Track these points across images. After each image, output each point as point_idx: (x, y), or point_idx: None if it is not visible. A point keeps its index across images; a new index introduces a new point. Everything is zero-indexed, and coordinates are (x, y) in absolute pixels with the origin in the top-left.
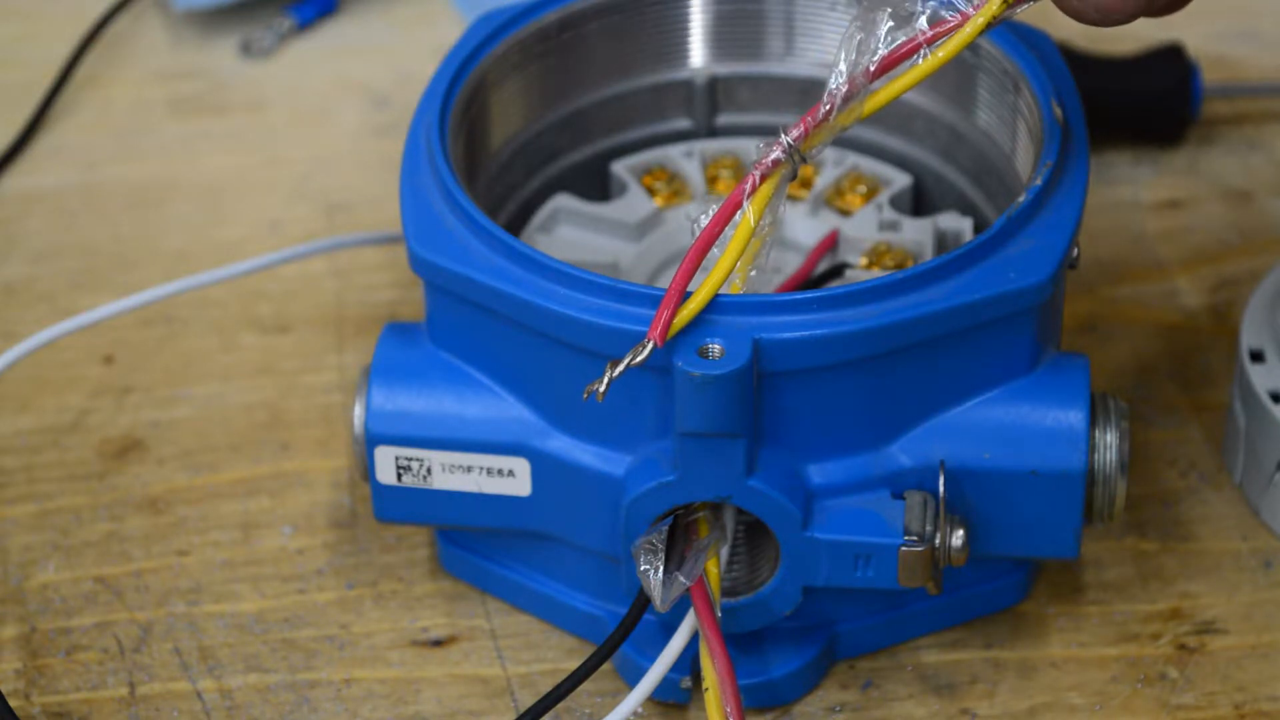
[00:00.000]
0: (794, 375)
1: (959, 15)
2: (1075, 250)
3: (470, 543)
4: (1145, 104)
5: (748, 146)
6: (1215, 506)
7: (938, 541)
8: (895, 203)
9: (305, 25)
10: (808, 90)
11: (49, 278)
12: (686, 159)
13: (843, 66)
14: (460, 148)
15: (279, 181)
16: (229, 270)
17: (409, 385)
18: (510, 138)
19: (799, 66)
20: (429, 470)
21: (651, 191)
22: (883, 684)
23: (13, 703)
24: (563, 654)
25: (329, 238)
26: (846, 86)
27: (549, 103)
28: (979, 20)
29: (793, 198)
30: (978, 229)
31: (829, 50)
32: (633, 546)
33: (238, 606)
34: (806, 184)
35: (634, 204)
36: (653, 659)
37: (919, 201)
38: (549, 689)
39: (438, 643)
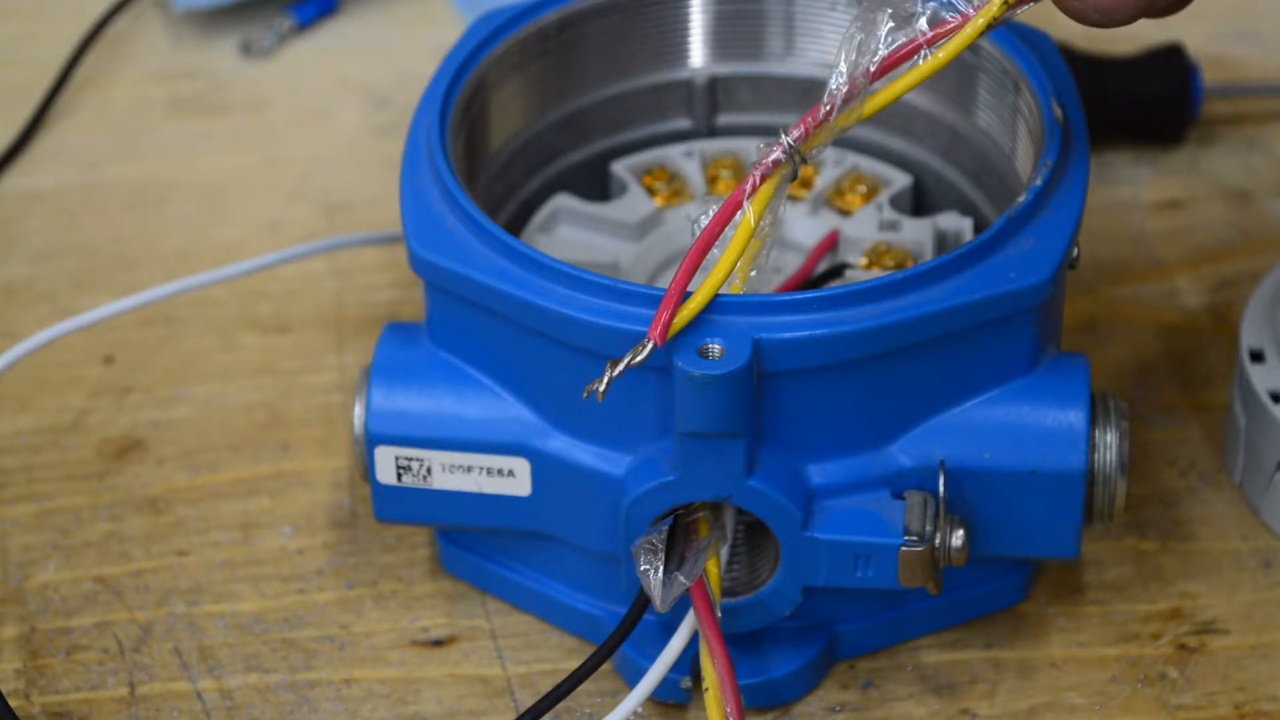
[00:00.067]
0: (794, 375)
1: (959, 16)
2: (1075, 250)
3: (470, 543)
4: (1145, 104)
5: (748, 146)
6: (1215, 506)
7: (938, 541)
8: (895, 203)
9: (305, 25)
10: (808, 90)
11: (49, 278)
12: (686, 159)
13: (843, 67)
14: (460, 148)
15: (279, 181)
16: (229, 270)
17: (409, 385)
18: (510, 138)
19: (799, 66)
20: (429, 470)
21: (651, 191)
22: (883, 684)
23: (13, 703)
24: (563, 654)
25: (329, 238)
26: (847, 87)
27: (549, 103)
28: (979, 21)
29: (793, 198)
30: (978, 229)
31: (829, 50)
32: (633, 546)
33: (238, 606)
34: (806, 184)
35: (634, 204)
36: (653, 659)
37: (919, 201)
38: (549, 689)
39: (438, 643)
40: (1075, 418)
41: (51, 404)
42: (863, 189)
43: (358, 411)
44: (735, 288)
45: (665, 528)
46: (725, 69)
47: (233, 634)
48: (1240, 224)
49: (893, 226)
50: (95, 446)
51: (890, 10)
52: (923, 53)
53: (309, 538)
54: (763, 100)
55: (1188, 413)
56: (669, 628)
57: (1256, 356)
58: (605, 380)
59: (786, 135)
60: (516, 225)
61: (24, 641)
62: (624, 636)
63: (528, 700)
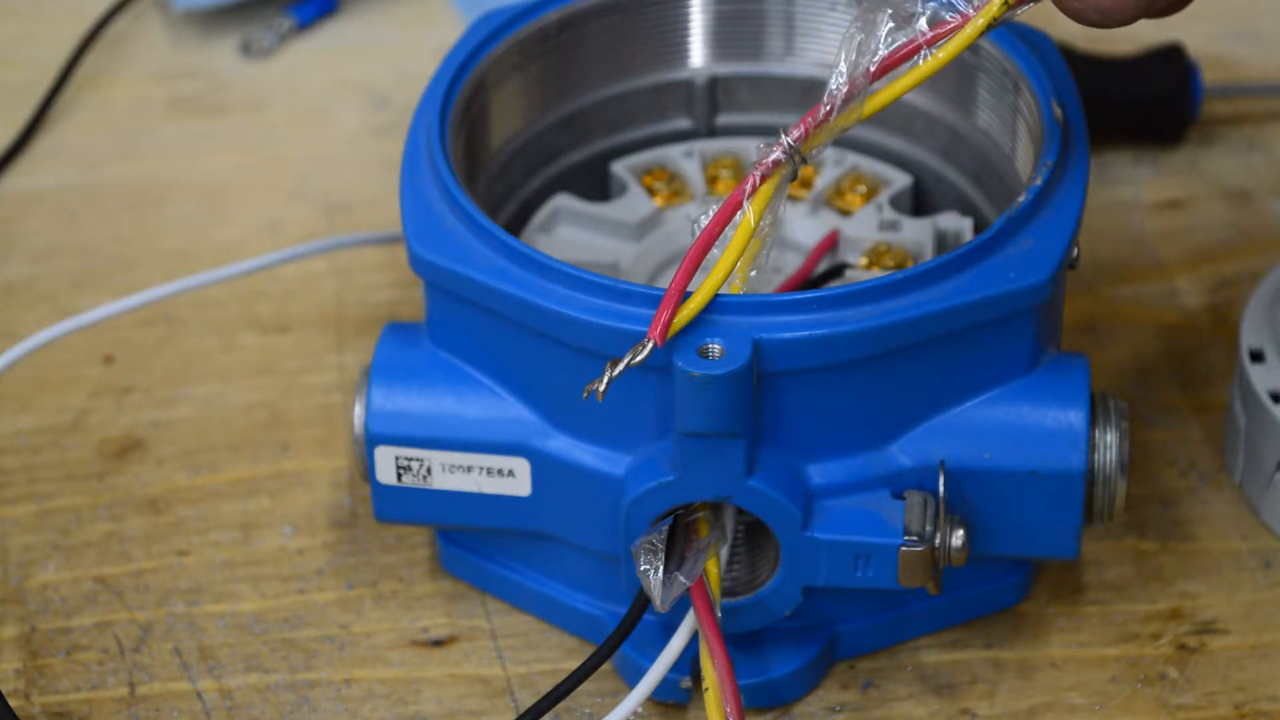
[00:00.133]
0: (794, 375)
1: (959, 16)
2: (1075, 250)
3: (470, 543)
4: (1145, 104)
5: (748, 146)
6: (1215, 506)
7: (938, 541)
8: (895, 203)
9: (305, 25)
10: (808, 90)
11: (49, 278)
12: (686, 159)
13: (843, 67)
14: (460, 148)
15: (279, 181)
16: (229, 270)
17: (409, 385)
18: (510, 138)
19: (799, 66)
20: (429, 470)
21: (651, 191)
22: (883, 684)
23: (13, 703)
24: (563, 654)
25: (329, 238)
26: (847, 87)
27: (549, 103)
28: (979, 21)
29: (793, 198)
30: (978, 229)
31: (829, 50)
32: (633, 546)
33: (238, 606)
34: (806, 184)
35: (634, 204)
36: (653, 659)
37: (919, 201)
38: (549, 689)
39: (438, 643)
40: (1075, 418)
41: (51, 404)
42: (863, 189)
43: (358, 411)
44: (735, 288)
45: (665, 528)
46: (725, 69)
47: (233, 634)
48: (1240, 224)
49: (893, 226)
50: (95, 446)
51: (890, 10)
52: (923, 53)
53: (309, 538)
54: (763, 100)
55: (1188, 413)
56: (669, 628)
57: (1256, 356)
58: (605, 380)
59: (786, 135)
60: (516, 225)
61: (24, 641)
62: (624, 636)
63: (528, 700)
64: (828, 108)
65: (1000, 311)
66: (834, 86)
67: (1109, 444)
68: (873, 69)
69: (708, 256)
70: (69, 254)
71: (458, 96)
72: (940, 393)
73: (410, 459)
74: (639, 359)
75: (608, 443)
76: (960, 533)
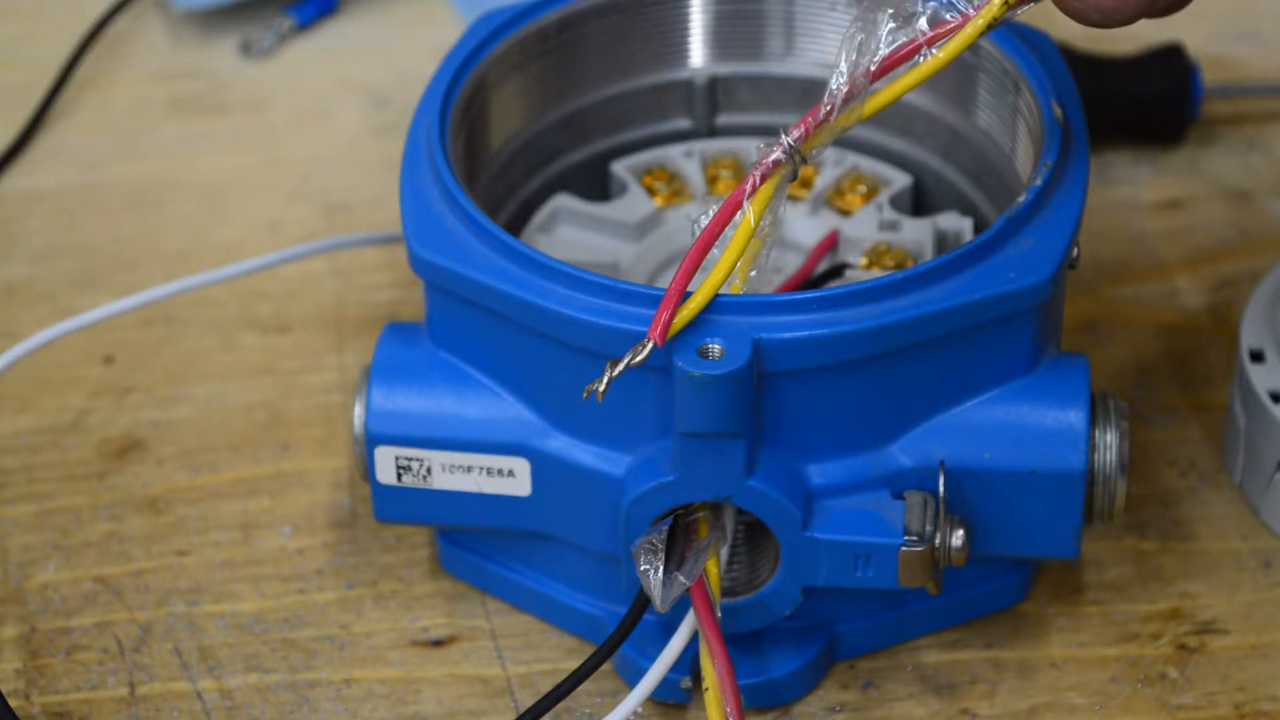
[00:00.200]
0: (794, 375)
1: (960, 16)
2: (1075, 250)
3: (470, 543)
4: (1145, 104)
5: (748, 146)
6: (1215, 506)
7: (938, 541)
8: (895, 203)
9: (305, 25)
10: (808, 90)
11: (49, 278)
12: (686, 159)
13: (843, 67)
14: (460, 148)
15: (279, 181)
16: (229, 270)
17: (409, 385)
18: (510, 138)
19: (799, 66)
20: (429, 470)
21: (651, 191)
22: (883, 684)
23: (13, 703)
24: (563, 654)
25: (329, 238)
26: (847, 87)
27: (549, 103)
28: (979, 21)
29: (793, 198)
30: (978, 229)
31: (829, 50)
32: (633, 546)
33: (238, 606)
34: (806, 184)
35: (634, 204)
36: (653, 659)
37: (919, 201)
38: (549, 689)
39: (438, 643)
40: (1075, 418)
41: (51, 404)
42: (863, 189)
43: (358, 411)
44: (735, 288)
45: (665, 528)
46: (725, 69)
47: (233, 634)
48: (1240, 224)
49: (893, 226)
50: (95, 446)
51: (891, 10)
52: (923, 53)
53: (309, 538)
54: (763, 100)
55: (1188, 413)
56: (669, 628)
57: (1256, 356)
58: (605, 380)
59: (787, 135)
60: (516, 225)
61: (24, 641)
62: (624, 636)
63: (528, 700)
64: (828, 108)
65: (1000, 311)
66: (834, 86)
67: (1109, 444)
68: (873, 69)
69: (708, 256)
70: (69, 254)
71: (458, 96)
72: (940, 393)
73: (410, 459)
74: (639, 359)
75: (608, 443)
76: (960, 533)
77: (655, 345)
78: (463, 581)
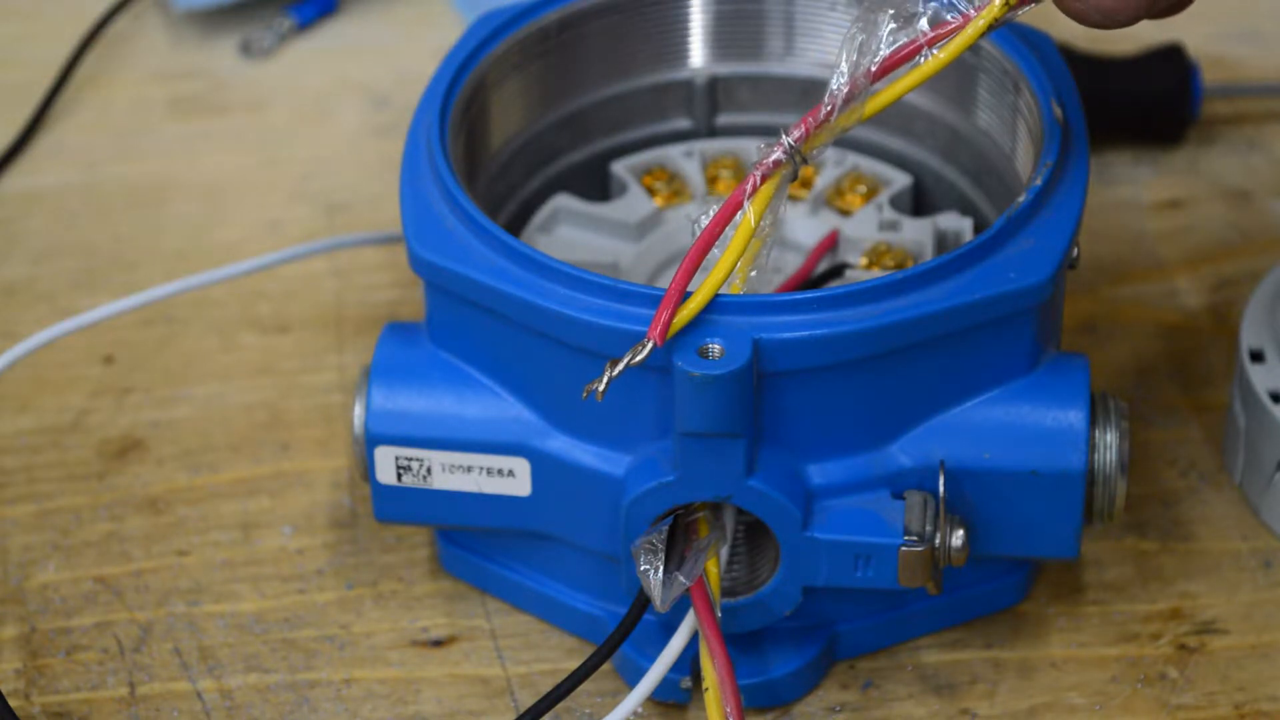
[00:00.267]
0: (794, 375)
1: (960, 17)
2: (1075, 250)
3: (470, 543)
4: (1145, 104)
5: (748, 146)
6: (1215, 506)
7: (938, 541)
8: (895, 203)
9: (305, 25)
10: (808, 90)
11: (49, 278)
12: (686, 159)
13: (844, 67)
14: (460, 148)
15: (279, 181)
16: (229, 270)
17: (409, 385)
18: (510, 138)
19: (799, 66)
20: (429, 470)
21: (651, 191)
22: (883, 684)
23: (13, 703)
24: (563, 654)
25: (329, 238)
26: (848, 87)
27: (549, 103)
28: (980, 22)
29: (793, 198)
30: (978, 229)
31: (829, 50)
32: (633, 546)
33: (238, 606)
34: (806, 184)
35: (634, 204)
36: (653, 659)
37: (919, 201)
38: (549, 689)
39: (438, 643)
40: (1075, 418)
41: (51, 404)
42: (863, 189)
43: (358, 411)
44: (735, 288)
45: (665, 528)
46: (725, 69)
47: (233, 634)
48: (1240, 224)
49: (893, 226)
50: (95, 446)
51: (892, 11)
52: (924, 53)
53: (309, 538)
54: (763, 100)
55: (1188, 413)
56: (669, 628)
57: (1256, 356)
58: (605, 380)
59: (787, 135)
60: (516, 225)
61: (24, 641)
62: (624, 636)
63: (528, 700)
64: (829, 108)
65: (1000, 311)
66: (835, 86)
67: (1109, 444)
68: (874, 69)
69: (708, 257)
70: (69, 254)
71: (458, 96)
72: (940, 393)
73: (410, 459)
74: (639, 359)
75: (608, 443)
76: (960, 533)
77: (655, 345)
78: (463, 581)
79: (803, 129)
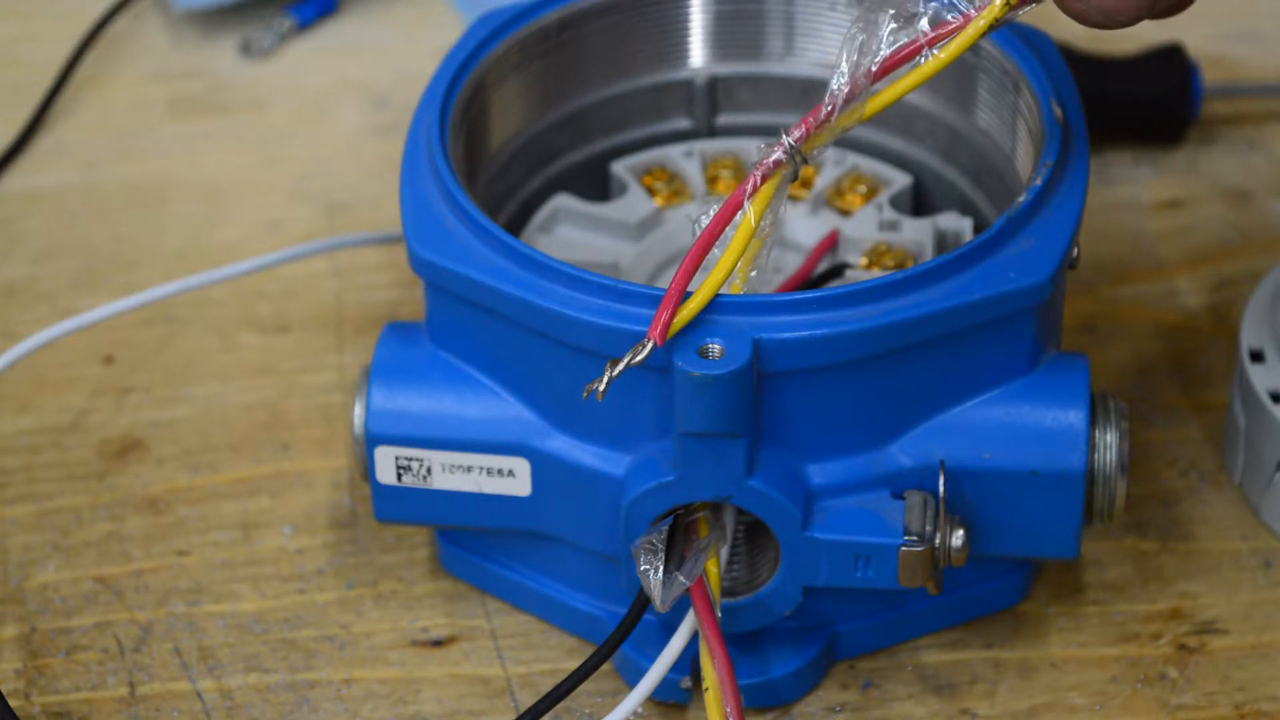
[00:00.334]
0: (794, 375)
1: (961, 17)
2: (1075, 250)
3: (470, 543)
4: (1145, 104)
5: (748, 146)
6: (1215, 506)
7: (938, 541)
8: (895, 203)
9: (305, 25)
10: (808, 90)
11: (49, 278)
12: (686, 159)
13: (845, 67)
14: (460, 148)
15: (279, 181)
16: (229, 270)
17: (409, 385)
18: (510, 138)
19: (799, 66)
20: (429, 470)
21: (651, 191)
22: (883, 684)
23: (13, 703)
24: (563, 654)
25: (329, 238)
26: (848, 87)
27: (549, 103)
28: (981, 22)
29: (793, 198)
30: (978, 229)
31: (829, 50)
32: (633, 546)
33: (238, 606)
34: (806, 184)
35: (634, 204)
36: (653, 659)
37: (919, 201)
38: (549, 689)
39: (438, 643)
40: (1075, 418)
41: (51, 404)
42: (863, 189)
43: (358, 411)
44: (736, 287)
45: (665, 528)
46: (725, 69)
47: (233, 634)
48: (1240, 224)
49: (893, 226)
50: (95, 446)
51: (892, 11)
52: (924, 53)
53: (309, 538)
54: (763, 100)
55: (1188, 413)
56: (669, 628)
57: (1256, 356)
58: (605, 380)
59: (788, 135)
60: (516, 225)
61: (24, 641)
62: (624, 636)
63: (528, 700)
64: (829, 108)
65: (1000, 311)
66: (835, 86)
67: (1109, 444)
68: (874, 69)
69: (708, 256)
70: (69, 254)
71: (458, 96)
72: (940, 393)
73: (410, 459)
74: (639, 359)
75: (608, 443)
76: (960, 533)
77: (655, 345)
78: (463, 581)
79: (803, 129)
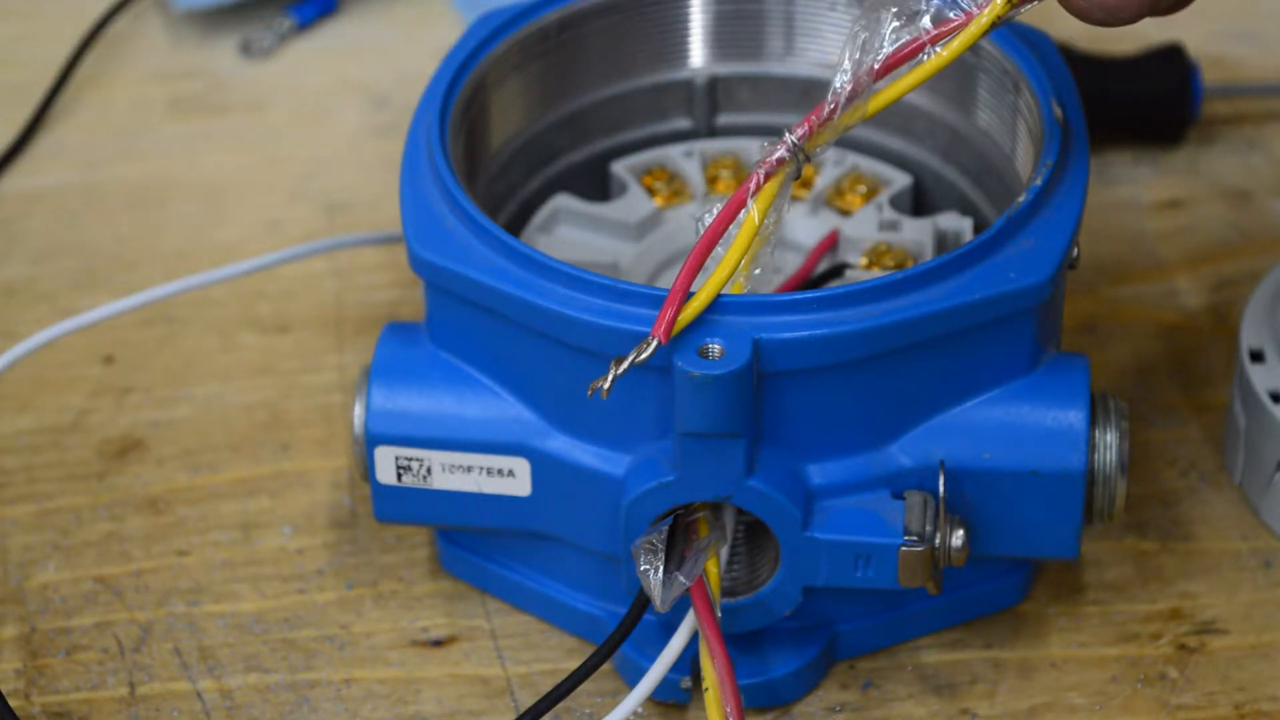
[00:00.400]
0: (794, 375)
1: (963, 14)
2: (1075, 250)
3: (470, 543)
4: (1145, 104)
5: (748, 146)
6: (1215, 506)
7: (938, 541)
8: (895, 203)
9: (305, 25)
10: (808, 90)
11: (49, 278)
12: (686, 159)
13: (847, 65)
14: (460, 148)
15: (279, 181)
16: (229, 270)
17: (409, 385)
18: (510, 138)
19: (799, 66)
20: (429, 470)
21: (651, 191)
22: (883, 684)
23: (13, 703)
24: (563, 654)
25: (329, 238)
26: (851, 85)
27: (549, 103)
28: (983, 20)
29: (793, 198)
30: (978, 229)
31: (829, 50)
32: (633, 546)
33: (238, 606)
34: (806, 184)
35: (634, 204)
36: (653, 659)
37: (919, 201)
38: (549, 689)
39: (438, 643)
40: (1075, 418)
41: (51, 404)
42: (863, 189)
43: (358, 411)
44: (739, 286)
45: (665, 528)
46: (725, 69)
47: (233, 634)
48: (1240, 224)
49: (893, 226)
50: (95, 446)
51: (894, 9)
52: (927, 51)
53: (309, 538)
54: (763, 100)
55: (1188, 413)
56: (669, 628)
57: (1256, 356)
58: (610, 378)
59: (791, 133)
60: (516, 225)
61: (24, 641)
62: (624, 636)
63: (528, 700)
64: (832, 106)
65: (1000, 311)
66: (838, 84)
67: (1109, 444)
68: (877, 67)
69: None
70: (69, 254)
71: (458, 96)
72: (940, 393)
73: (410, 459)
74: (643, 356)
75: (608, 443)
76: (960, 533)
77: (660, 343)
78: (463, 581)
79: (806, 127)
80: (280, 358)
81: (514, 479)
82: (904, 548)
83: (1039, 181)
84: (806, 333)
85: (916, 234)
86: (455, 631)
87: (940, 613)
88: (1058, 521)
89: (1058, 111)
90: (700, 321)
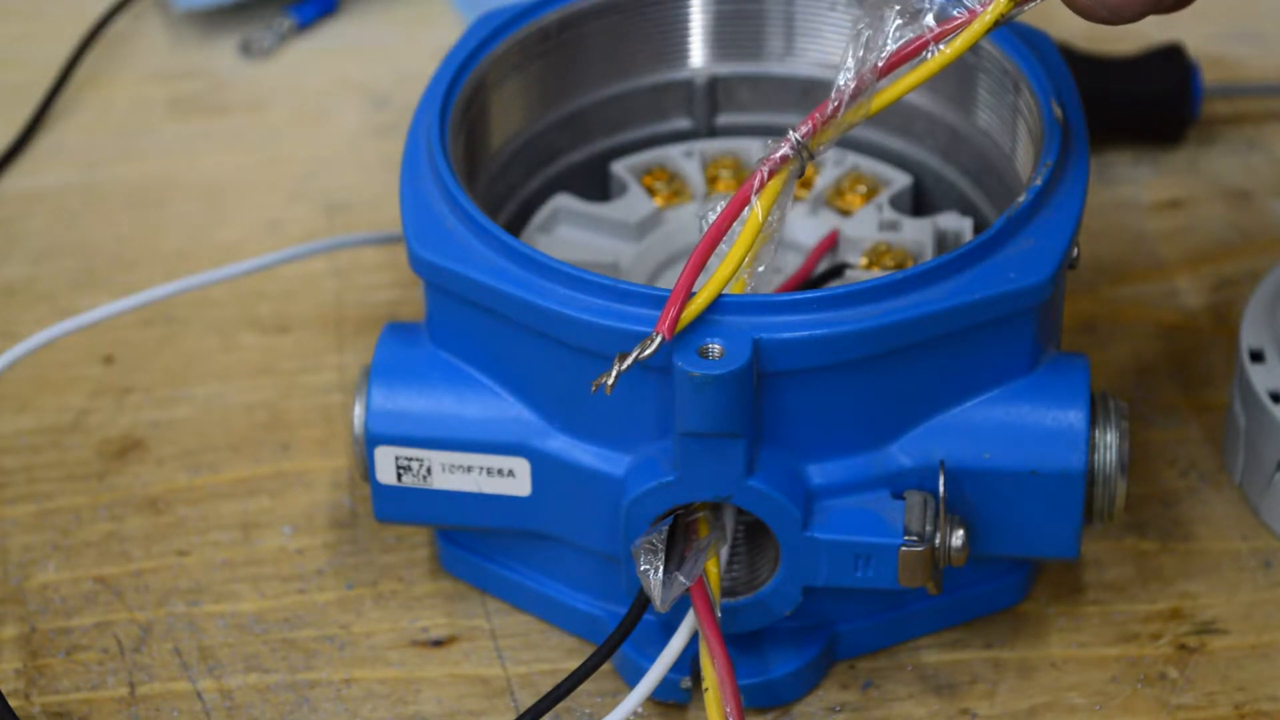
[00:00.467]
0: (794, 375)
1: (966, 12)
2: (1075, 250)
3: (470, 543)
4: (1145, 104)
5: (748, 146)
6: (1215, 506)
7: (938, 541)
8: (895, 203)
9: (305, 25)
10: (808, 90)
11: (49, 278)
12: (686, 159)
13: (850, 63)
14: (460, 148)
15: (279, 181)
16: (229, 270)
17: (409, 385)
18: (510, 138)
19: (799, 66)
20: (429, 470)
21: (651, 191)
22: (883, 684)
23: (13, 703)
24: (563, 654)
25: (329, 238)
26: (854, 83)
27: (549, 103)
28: (987, 18)
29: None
30: (978, 229)
31: (829, 50)
32: (633, 546)
33: (238, 606)
34: (807, 184)
35: (634, 204)
36: (653, 659)
37: (919, 201)
38: (549, 689)
39: (438, 643)
40: (1075, 418)
41: (51, 404)
42: (863, 189)
43: (358, 411)
44: (741, 283)
45: (665, 528)
46: (725, 69)
47: (233, 634)
48: (1240, 224)
49: (893, 226)
50: (95, 446)
51: (898, 7)
52: (930, 49)
53: (309, 538)
54: (763, 100)
55: (1188, 413)
56: (669, 628)
57: (1256, 356)
58: (614, 374)
59: (795, 131)
60: (516, 225)
61: (24, 641)
62: (624, 636)
63: (528, 700)
64: (836, 103)
65: (1000, 311)
66: (842, 82)
67: (1109, 444)
68: (880, 65)
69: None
70: (69, 254)
71: (458, 96)
72: (940, 393)
73: (410, 459)
74: (648, 353)
75: (608, 443)
76: (960, 533)
77: (664, 339)
78: (463, 581)
79: (810, 125)
80: (280, 358)
81: (514, 479)
82: (904, 548)
83: (1039, 181)
84: (806, 333)
85: (916, 234)
86: (455, 631)
87: (940, 613)
88: (1058, 521)
89: (1058, 111)
90: (700, 321)
